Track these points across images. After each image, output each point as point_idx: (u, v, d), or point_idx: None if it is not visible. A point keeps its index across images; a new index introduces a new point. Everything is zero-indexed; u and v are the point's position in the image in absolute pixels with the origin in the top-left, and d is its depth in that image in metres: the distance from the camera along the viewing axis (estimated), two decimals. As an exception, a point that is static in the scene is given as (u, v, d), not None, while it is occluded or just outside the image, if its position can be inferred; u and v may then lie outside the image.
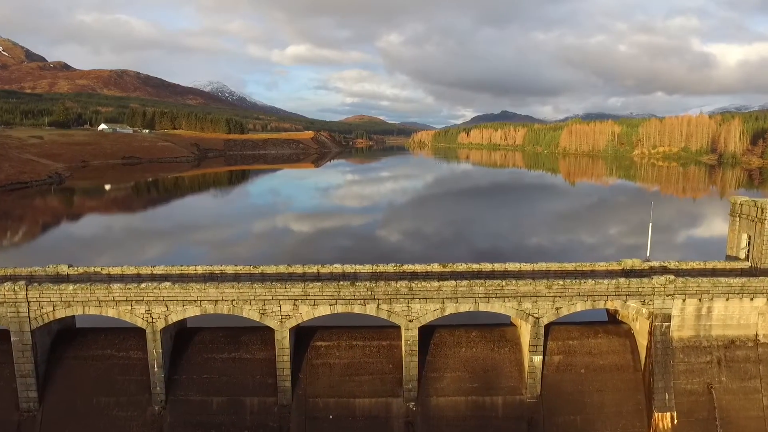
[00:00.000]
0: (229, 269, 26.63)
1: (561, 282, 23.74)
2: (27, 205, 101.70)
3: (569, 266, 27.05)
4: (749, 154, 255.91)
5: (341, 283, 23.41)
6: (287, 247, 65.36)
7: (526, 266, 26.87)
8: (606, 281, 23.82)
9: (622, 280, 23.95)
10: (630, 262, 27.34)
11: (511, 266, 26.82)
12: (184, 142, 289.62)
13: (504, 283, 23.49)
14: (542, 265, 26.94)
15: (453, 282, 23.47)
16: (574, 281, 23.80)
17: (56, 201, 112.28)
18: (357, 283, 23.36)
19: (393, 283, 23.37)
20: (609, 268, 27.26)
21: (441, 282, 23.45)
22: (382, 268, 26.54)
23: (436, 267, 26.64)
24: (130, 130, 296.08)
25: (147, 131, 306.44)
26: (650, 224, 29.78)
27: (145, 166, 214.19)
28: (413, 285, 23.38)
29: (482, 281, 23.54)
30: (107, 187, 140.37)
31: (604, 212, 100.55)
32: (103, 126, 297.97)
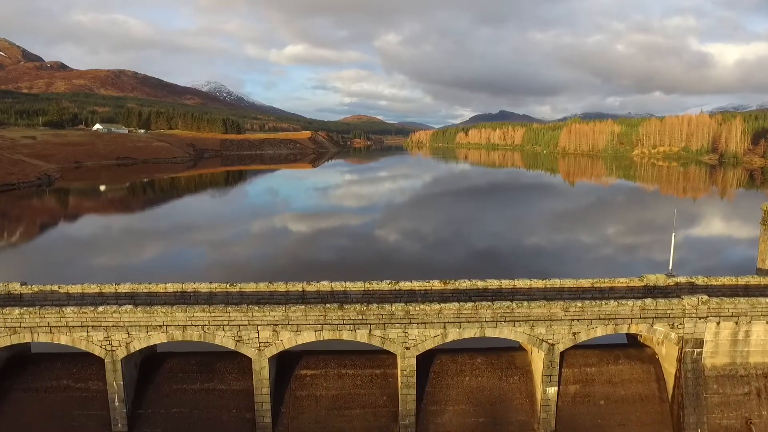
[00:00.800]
0: (203, 287, 23.64)
1: (579, 303, 20.83)
2: (6, 208, 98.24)
3: (585, 283, 24.11)
4: (750, 153, 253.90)
5: (328, 305, 20.46)
6: (280, 250, 62.22)
7: (537, 283, 23.92)
8: (630, 302, 20.92)
9: (648, 301, 21.04)
10: (653, 278, 24.42)
11: (521, 283, 23.86)
12: (180, 142, 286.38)
13: (514, 305, 20.57)
14: (555, 282, 23.99)
15: (456, 304, 20.54)
16: (593, 302, 20.89)
17: (39, 203, 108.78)
18: (346, 306, 20.41)
19: (387, 306, 20.43)
20: (630, 285, 24.34)
21: (442, 304, 20.50)
22: (375, 285, 23.56)
23: (436, 284, 23.67)
24: (125, 131, 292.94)
25: (142, 131, 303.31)
26: (673, 234, 26.84)
27: (140, 166, 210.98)
28: (410, 308, 20.44)
29: (489, 303, 20.61)
30: (97, 188, 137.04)
31: (609, 214, 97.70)
32: (97, 126, 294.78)
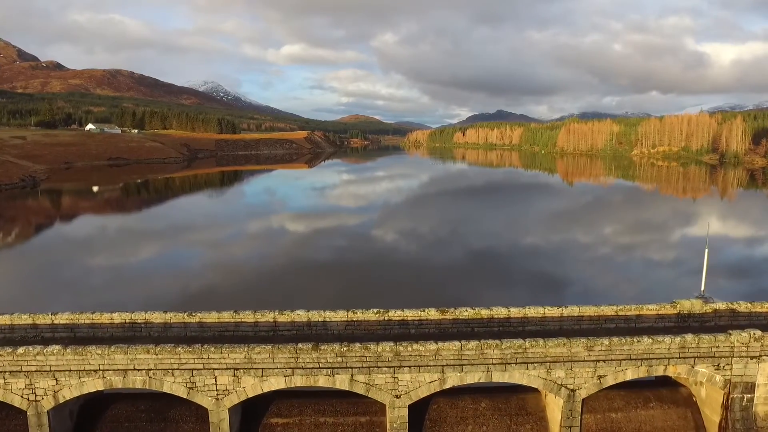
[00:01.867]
0: (156, 317, 19.94)
1: (605, 341, 17.21)
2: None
3: (609, 310, 20.48)
4: (752, 153, 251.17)
5: (300, 345, 16.79)
6: (267, 253, 58.34)
7: (552, 311, 20.28)
8: (668, 340, 17.30)
9: (689, 338, 17.43)
10: (688, 304, 20.80)
11: (533, 311, 20.23)
12: (174, 142, 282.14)
13: (527, 344, 16.93)
14: (573, 309, 20.35)
15: (456, 344, 16.89)
16: (623, 340, 17.26)
17: (15, 205, 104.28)
18: (322, 346, 16.75)
19: (372, 346, 16.76)
20: (660, 312, 20.71)
21: (439, 344, 16.84)
22: (360, 315, 19.88)
23: (432, 314, 20.01)
24: (118, 131, 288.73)
25: (136, 131, 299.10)
26: (706, 251, 23.25)
27: (132, 167, 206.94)
28: (401, 348, 16.78)
29: (497, 342, 16.97)
30: (82, 190, 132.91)
31: (618, 218, 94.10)
32: (90, 126, 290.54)
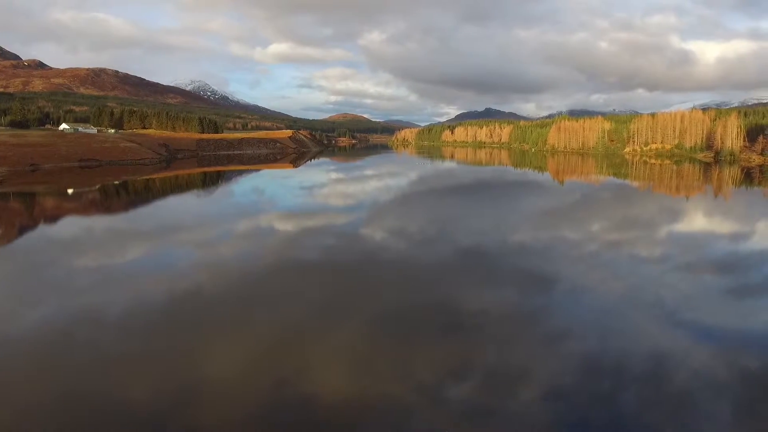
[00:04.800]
0: None
1: None
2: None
3: None
4: (747, 151, 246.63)
5: None
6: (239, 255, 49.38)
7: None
8: None
9: None
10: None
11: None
12: (152, 142, 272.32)
13: None
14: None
15: None
16: None
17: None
18: None
19: None
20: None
21: None
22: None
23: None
24: (94, 130, 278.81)
25: (113, 131, 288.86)
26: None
27: (104, 169, 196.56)
28: None
29: None
30: (38, 193, 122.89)
31: (625, 218, 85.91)
32: (64, 126, 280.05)
